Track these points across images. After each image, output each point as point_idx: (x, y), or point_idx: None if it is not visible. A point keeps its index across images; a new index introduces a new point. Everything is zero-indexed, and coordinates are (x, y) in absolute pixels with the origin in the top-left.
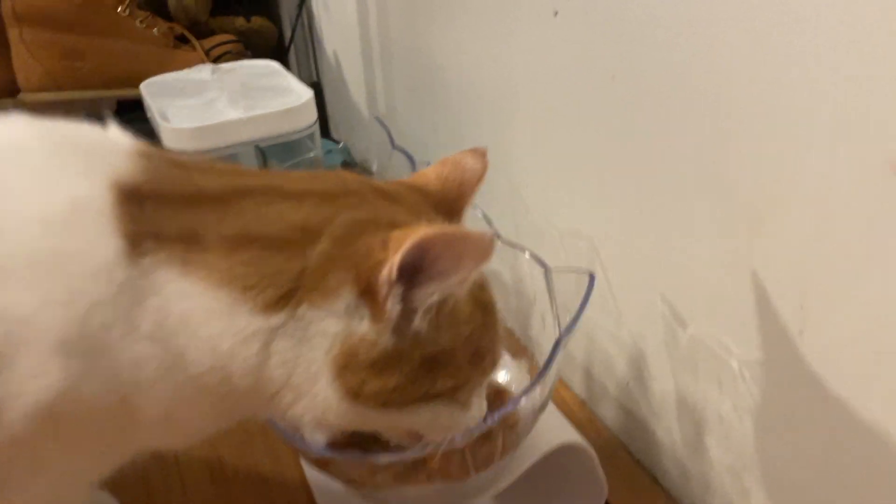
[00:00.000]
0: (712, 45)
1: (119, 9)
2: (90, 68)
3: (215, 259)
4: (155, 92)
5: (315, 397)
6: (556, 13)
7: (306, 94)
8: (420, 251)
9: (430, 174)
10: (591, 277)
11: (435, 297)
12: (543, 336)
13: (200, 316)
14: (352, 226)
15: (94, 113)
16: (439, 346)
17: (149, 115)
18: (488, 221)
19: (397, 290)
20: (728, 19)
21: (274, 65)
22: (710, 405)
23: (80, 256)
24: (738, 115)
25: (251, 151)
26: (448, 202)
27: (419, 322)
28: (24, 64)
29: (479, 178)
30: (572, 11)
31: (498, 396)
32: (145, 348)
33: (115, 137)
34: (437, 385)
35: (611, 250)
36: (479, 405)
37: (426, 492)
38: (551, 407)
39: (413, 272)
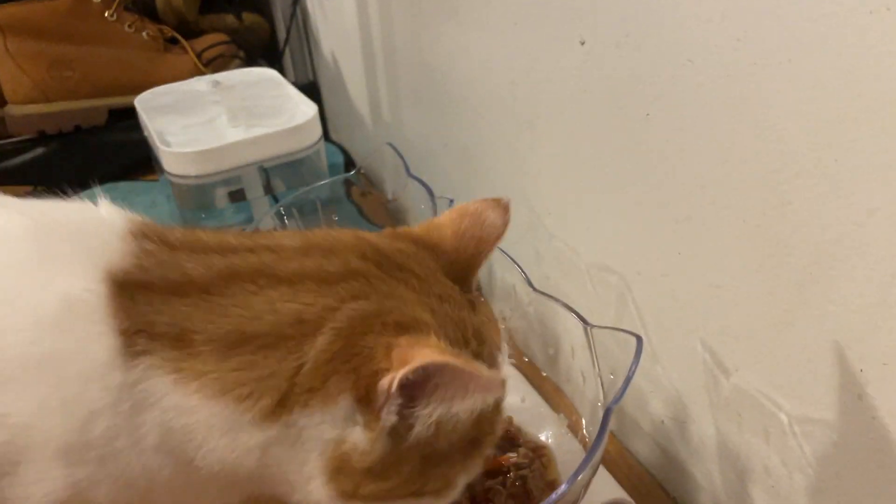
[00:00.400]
0: (765, 96)
1: (106, 14)
2: (79, 78)
3: (207, 366)
4: (150, 108)
5: (309, 494)
6: (582, 42)
7: (310, 110)
8: (423, 373)
9: (446, 228)
10: (639, 341)
11: (435, 417)
12: (585, 391)
13: (202, 431)
14: (355, 321)
15: (85, 122)
16: (436, 448)
17: (145, 133)
18: (525, 275)
19: (395, 402)
20: (788, 69)
21: (272, 74)
22: (755, 456)
23: (73, 359)
24: (795, 170)
25: (255, 172)
26: (463, 261)
27: (417, 432)
28: (11, 76)
29: (499, 235)
30: (600, 43)
31: (536, 452)
32: (155, 458)
33: (108, 217)
34: (429, 485)
35: (643, 289)
36: (460, 485)
37: None
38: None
39: (415, 386)
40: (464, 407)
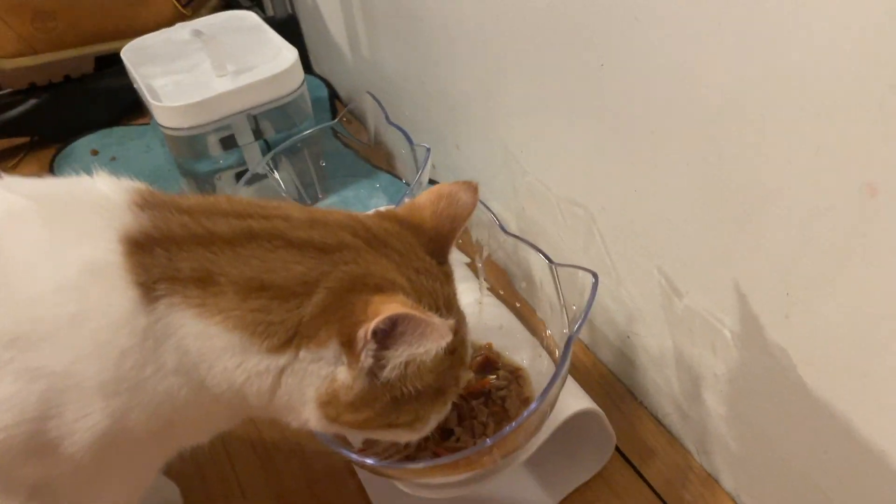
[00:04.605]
0: (703, 59)
1: None
2: (63, 28)
3: (229, 304)
4: (136, 60)
5: (302, 415)
6: None
7: (291, 55)
8: (390, 323)
9: (426, 210)
10: (594, 279)
11: (403, 358)
12: (552, 318)
13: (216, 354)
14: (343, 282)
15: (74, 72)
16: (406, 390)
17: (135, 86)
18: (496, 219)
19: (371, 347)
20: (720, 28)
21: (252, 17)
22: (705, 365)
23: (100, 314)
24: (728, 122)
25: (244, 119)
26: (441, 237)
27: (389, 373)
28: None
29: (470, 212)
30: None
31: (514, 374)
32: (174, 380)
33: (108, 190)
34: (401, 419)
35: (608, 221)
36: (432, 423)
37: (456, 478)
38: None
39: (386, 334)
40: (422, 349)
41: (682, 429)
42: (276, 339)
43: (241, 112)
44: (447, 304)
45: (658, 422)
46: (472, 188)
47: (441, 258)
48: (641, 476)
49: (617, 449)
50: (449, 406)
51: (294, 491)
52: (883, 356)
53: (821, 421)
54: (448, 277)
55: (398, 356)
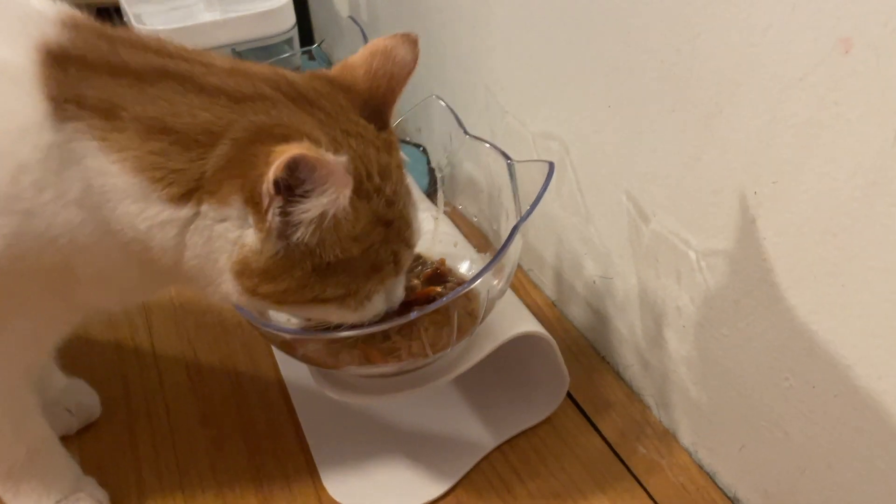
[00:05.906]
0: None
1: None
2: None
3: (129, 142)
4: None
5: (220, 286)
6: None
7: None
8: (289, 170)
9: (358, 70)
10: (551, 166)
11: (312, 213)
12: (507, 229)
13: (118, 196)
14: (249, 132)
15: None
16: (329, 258)
17: (125, 20)
18: (458, 120)
19: (277, 203)
20: None
21: None
22: (669, 298)
23: (4, 117)
24: (697, 9)
25: (229, 55)
26: (377, 99)
27: (301, 234)
28: None
29: (410, 70)
30: None
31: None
32: (76, 213)
33: (42, 4)
34: (328, 292)
35: (580, 150)
36: (376, 306)
37: (387, 371)
38: (515, 301)
39: (291, 190)
40: (326, 199)
41: (643, 381)
42: (175, 189)
43: (225, 45)
44: (382, 172)
45: (618, 375)
46: (411, 41)
47: (380, 123)
48: (594, 426)
49: (572, 399)
50: (392, 288)
51: (220, 413)
52: (850, 248)
53: (783, 340)
54: (388, 146)
55: (306, 211)
